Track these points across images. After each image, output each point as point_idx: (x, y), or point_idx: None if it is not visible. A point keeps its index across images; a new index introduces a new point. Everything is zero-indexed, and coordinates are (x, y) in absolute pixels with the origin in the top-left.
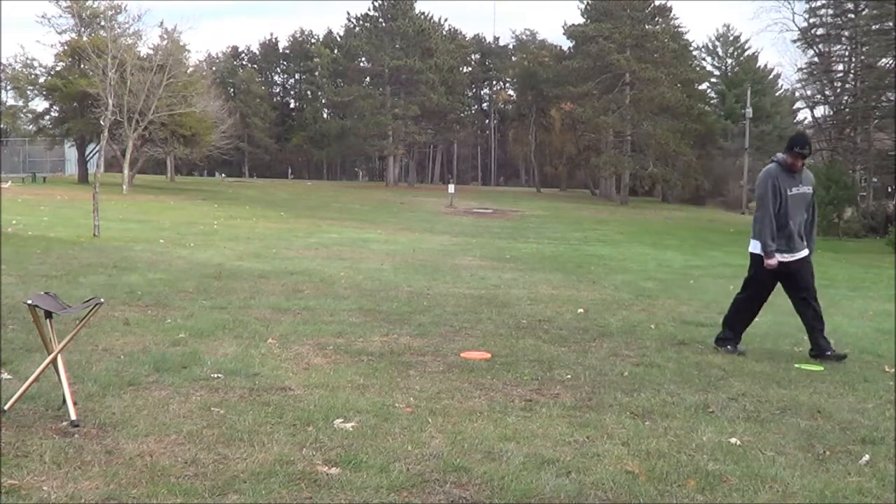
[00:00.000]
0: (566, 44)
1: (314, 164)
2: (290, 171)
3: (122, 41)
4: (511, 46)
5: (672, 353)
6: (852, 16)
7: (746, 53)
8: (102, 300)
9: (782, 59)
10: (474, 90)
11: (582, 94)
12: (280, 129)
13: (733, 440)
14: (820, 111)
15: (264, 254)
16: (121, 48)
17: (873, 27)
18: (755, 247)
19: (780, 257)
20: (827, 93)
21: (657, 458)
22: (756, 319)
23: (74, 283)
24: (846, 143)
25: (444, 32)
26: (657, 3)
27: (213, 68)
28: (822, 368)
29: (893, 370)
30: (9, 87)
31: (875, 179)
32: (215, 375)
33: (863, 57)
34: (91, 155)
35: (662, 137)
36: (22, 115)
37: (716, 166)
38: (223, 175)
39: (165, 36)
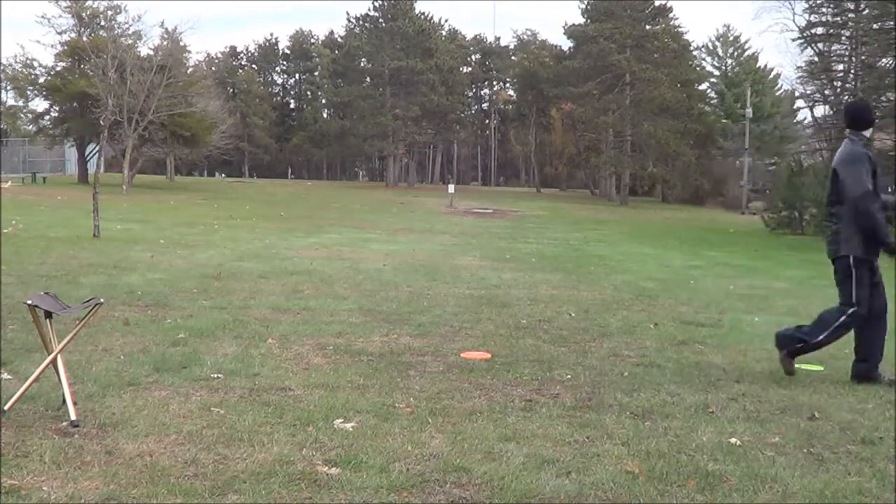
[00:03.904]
0: (566, 44)
1: (314, 164)
2: (290, 171)
3: (122, 41)
4: (511, 46)
5: (672, 353)
6: (852, 15)
7: (746, 53)
8: (102, 300)
9: (783, 59)
10: (474, 90)
11: (582, 94)
12: (280, 129)
13: (733, 440)
14: (820, 111)
15: (264, 254)
16: (121, 48)
17: (873, 27)
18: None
19: None
20: (827, 92)
21: (657, 458)
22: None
23: (74, 283)
24: None
25: (445, 33)
26: (657, 3)
27: (213, 68)
28: (821, 368)
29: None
30: (9, 87)
31: None
32: (215, 375)
33: (863, 57)
34: (91, 155)
35: (662, 137)
36: (22, 115)
37: (716, 166)
38: (223, 175)
39: (166, 36)
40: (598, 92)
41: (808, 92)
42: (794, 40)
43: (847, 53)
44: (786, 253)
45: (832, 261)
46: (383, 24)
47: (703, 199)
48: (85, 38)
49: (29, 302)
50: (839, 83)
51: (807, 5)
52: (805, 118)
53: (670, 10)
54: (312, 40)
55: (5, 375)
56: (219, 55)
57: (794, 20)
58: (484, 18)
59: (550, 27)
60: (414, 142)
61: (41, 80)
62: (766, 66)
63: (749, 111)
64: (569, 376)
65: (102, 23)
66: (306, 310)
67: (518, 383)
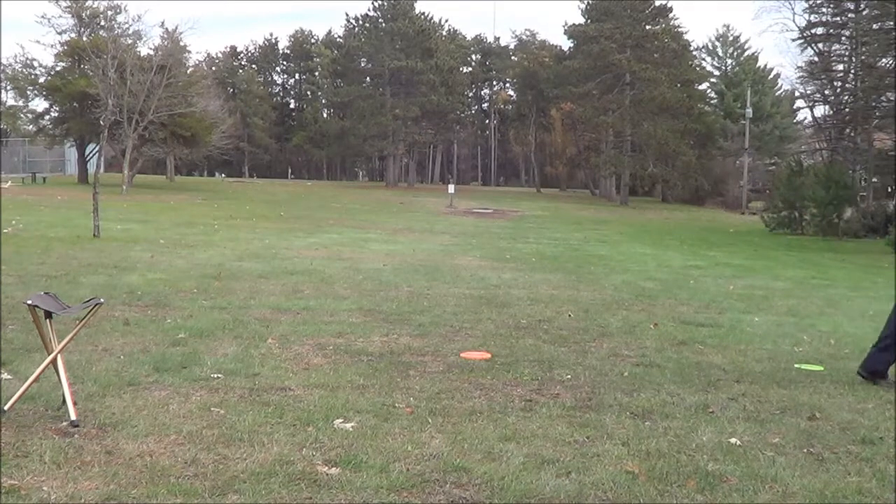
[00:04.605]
0: (566, 44)
1: (314, 164)
2: (290, 171)
3: (122, 41)
4: (511, 46)
5: (672, 353)
6: (852, 15)
7: (746, 53)
8: (102, 300)
9: (783, 59)
10: (474, 90)
11: (582, 94)
12: (280, 129)
13: (733, 440)
14: (820, 111)
15: (264, 254)
16: (121, 48)
17: (873, 27)
18: None
19: None
20: (827, 92)
21: (657, 458)
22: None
23: (74, 283)
24: (846, 143)
25: (445, 33)
26: (657, 3)
27: (213, 68)
28: (821, 368)
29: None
30: (9, 87)
31: (875, 179)
32: (215, 375)
33: (863, 57)
34: (91, 155)
35: (662, 137)
36: (22, 115)
37: (716, 166)
38: (223, 175)
39: (166, 36)
40: (598, 92)
41: (808, 92)
42: (794, 40)
43: (847, 53)
44: (786, 253)
45: None
46: (383, 25)
47: (703, 199)
48: (85, 38)
49: (29, 302)
50: (839, 83)
51: (807, 5)
52: (805, 118)
53: (670, 10)
54: (312, 40)
55: (5, 375)
56: (219, 55)
57: (794, 20)
58: (484, 18)
59: (550, 27)
60: (414, 142)
61: (41, 80)
62: (766, 66)
63: (749, 111)
64: (569, 376)
65: (102, 23)
66: (306, 310)
67: (518, 383)
